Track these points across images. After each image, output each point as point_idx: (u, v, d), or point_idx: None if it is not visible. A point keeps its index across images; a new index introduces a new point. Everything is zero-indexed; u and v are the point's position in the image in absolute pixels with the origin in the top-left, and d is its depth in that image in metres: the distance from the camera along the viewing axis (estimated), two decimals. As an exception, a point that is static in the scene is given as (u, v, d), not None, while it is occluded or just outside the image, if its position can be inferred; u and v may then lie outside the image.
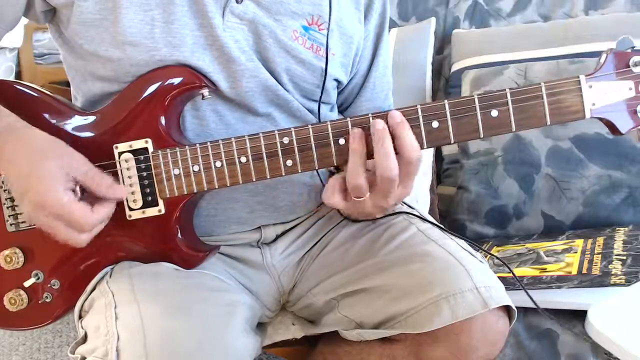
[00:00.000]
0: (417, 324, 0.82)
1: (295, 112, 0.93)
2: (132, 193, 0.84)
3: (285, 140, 0.81)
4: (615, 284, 1.04)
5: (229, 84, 0.87)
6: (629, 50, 0.76)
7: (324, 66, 0.91)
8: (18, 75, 2.44)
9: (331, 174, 1.02)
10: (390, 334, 0.87)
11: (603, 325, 0.87)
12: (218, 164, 0.83)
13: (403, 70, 1.79)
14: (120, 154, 0.85)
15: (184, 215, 0.87)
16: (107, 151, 0.84)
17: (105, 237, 0.86)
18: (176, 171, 0.84)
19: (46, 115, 0.86)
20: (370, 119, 0.78)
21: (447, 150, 1.70)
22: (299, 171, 0.82)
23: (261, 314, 0.97)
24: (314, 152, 0.81)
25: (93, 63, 0.86)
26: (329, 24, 0.90)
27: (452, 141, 0.79)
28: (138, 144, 0.84)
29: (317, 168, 0.82)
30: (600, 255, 1.17)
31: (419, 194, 1.46)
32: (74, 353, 0.79)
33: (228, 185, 0.83)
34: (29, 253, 0.88)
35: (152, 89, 0.84)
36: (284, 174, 0.82)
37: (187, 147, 0.83)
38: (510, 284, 1.07)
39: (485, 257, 1.13)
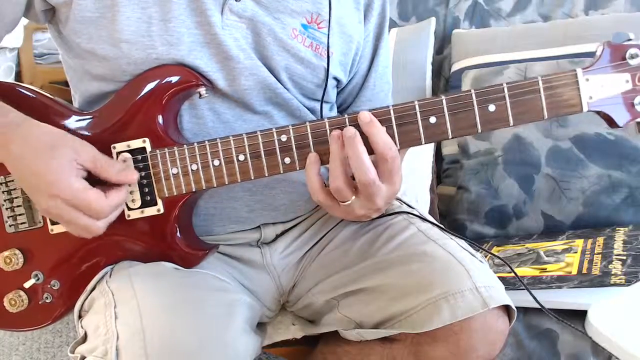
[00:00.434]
0: (416, 323, 0.82)
1: (294, 111, 0.93)
2: (131, 193, 0.84)
3: (283, 138, 0.81)
4: (615, 284, 1.04)
5: (227, 82, 0.87)
6: (625, 43, 0.76)
7: (324, 65, 0.91)
8: (18, 75, 2.45)
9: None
10: (390, 334, 0.87)
11: (603, 325, 0.87)
12: (216, 162, 0.83)
13: (403, 70, 1.79)
14: (118, 153, 0.85)
15: (183, 214, 0.87)
16: (105, 151, 0.84)
17: (104, 237, 0.86)
18: (174, 170, 0.84)
19: (44, 117, 0.85)
20: (359, 118, 0.78)
21: (447, 150, 1.70)
22: (297, 169, 0.82)
23: (261, 313, 0.96)
24: (312, 150, 0.81)
25: (90, 62, 0.86)
26: (329, 23, 0.90)
27: (450, 136, 0.79)
28: (136, 143, 0.84)
29: (315, 165, 0.82)
30: (600, 255, 1.17)
31: (419, 194, 1.46)
32: (73, 352, 0.79)
33: (226, 183, 0.83)
34: (29, 254, 0.88)
35: (149, 88, 0.84)
36: (282, 172, 0.82)
37: (185, 146, 0.83)
38: (511, 283, 1.07)
39: (486, 256, 1.13)
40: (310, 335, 0.99)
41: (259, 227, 0.97)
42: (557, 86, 0.77)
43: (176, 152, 0.83)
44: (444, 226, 0.96)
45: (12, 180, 0.87)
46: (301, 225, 1.02)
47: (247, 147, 0.82)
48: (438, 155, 1.70)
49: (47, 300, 0.88)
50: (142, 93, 0.85)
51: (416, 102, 0.79)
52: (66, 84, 0.97)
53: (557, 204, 1.38)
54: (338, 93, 1.02)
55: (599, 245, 1.22)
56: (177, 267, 0.87)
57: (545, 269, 1.18)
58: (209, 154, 0.83)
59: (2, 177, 0.87)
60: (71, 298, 0.88)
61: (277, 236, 1.00)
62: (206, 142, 0.83)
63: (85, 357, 0.76)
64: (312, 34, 0.91)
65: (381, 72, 1.03)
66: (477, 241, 1.38)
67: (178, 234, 0.86)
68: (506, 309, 0.85)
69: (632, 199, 1.34)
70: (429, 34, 1.83)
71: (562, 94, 0.77)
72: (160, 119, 0.84)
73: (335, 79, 0.96)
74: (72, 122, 0.87)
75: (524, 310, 1.10)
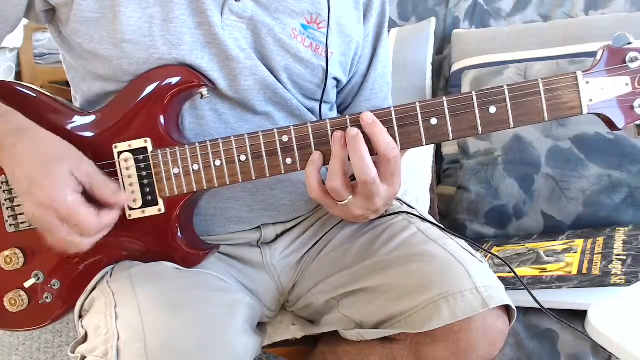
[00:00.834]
0: (416, 323, 0.82)
1: (294, 111, 0.93)
2: (132, 192, 0.84)
3: (285, 138, 0.81)
4: (615, 284, 1.04)
5: (227, 82, 0.87)
6: (625, 47, 0.77)
7: (323, 65, 0.91)
8: (18, 75, 2.45)
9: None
10: (390, 334, 0.87)
11: (603, 325, 0.87)
12: (217, 162, 0.83)
13: (403, 70, 1.79)
14: (119, 153, 0.85)
15: (184, 214, 0.87)
16: (106, 151, 0.84)
17: (105, 237, 0.86)
18: (176, 170, 0.84)
19: (45, 116, 0.86)
20: (361, 118, 0.78)
21: (447, 150, 1.70)
22: (299, 169, 0.82)
23: (261, 313, 0.96)
24: (314, 150, 0.81)
25: (92, 62, 0.86)
26: (328, 23, 0.91)
27: (451, 138, 0.79)
28: (137, 143, 0.84)
29: (316, 166, 0.82)
30: (600, 255, 1.17)
31: (419, 194, 1.46)
32: (74, 352, 0.79)
33: (228, 183, 0.83)
34: (29, 253, 0.88)
35: (150, 88, 0.84)
36: (283, 172, 0.82)
37: (186, 146, 0.83)
38: (511, 283, 1.07)
39: (486, 256, 1.13)
40: (310, 335, 0.99)
41: (259, 227, 0.97)
42: (557, 88, 0.77)
43: (177, 152, 0.84)
44: (444, 226, 0.96)
45: (13, 180, 0.87)
46: (301, 225, 1.02)
47: (248, 147, 0.82)
48: (438, 155, 1.70)
49: (48, 300, 0.88)
50: (144, 93, 0.85)
51: (417, 104, 0.79)
52: (66, 84, 0.97)
53: (557, 204, 1.38)
54: (338, 93, 1.02)
55: (599, 245, 1.22)
56: (178, 267, 0.87)
57: (545, 269, 1.18)
58: (210, 154, 0.83)
59: (3, 176, 0.87)
60: (71, 298, 0.88)
61: (278, 236, 1.00)
62: (208, 142, 0.83)
63: (85, 357, 0.76)
64: (311, 34, 0.91)
65: (380, 72, 1.03)
66: (477, 241, 1.38)
67: (179, 233, 0.86)
68: (506, 309, 0.85)
69: (632, 199, 1.34)
70: (429, 34, 1.83)
71: (562, 96, 0.77)
72: (162, 119, 0.85)
73: (335, 79, 0.96)
74: (74, 121, 0.87)
75: (524, 310, 1.10)
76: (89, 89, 0.90)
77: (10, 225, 0.88)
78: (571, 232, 1.34)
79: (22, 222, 0.88)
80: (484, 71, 1.63)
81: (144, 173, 0.84)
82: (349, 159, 0.79)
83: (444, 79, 1.85)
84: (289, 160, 0.82)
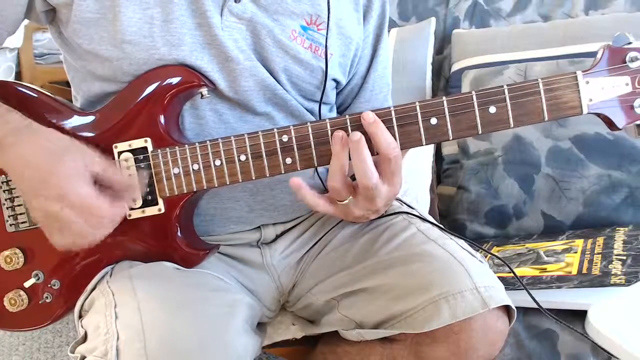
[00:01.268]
0: (416, 323, 0.82)
1: (294, 112, 0.93)
2: (132, 192, 0.85)
3: (285, 138, 0.81)
4: (615, 284, 1.04)
5: (227, 83, 0.87)
6: (625, 46, 0.77)
7: (323, 66, 0.91)
8: (18, 75, 2.45)
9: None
10: (390, 334, 0.87)
11: (603, 325, 0.87)
12: (217, 162, 0.83)
13: (403, 70, 1.79)
14: (119, 153, 0.85)
15: (184, 214, 0.87)
16: (106, 151, 0.84)
17: (105, 237, 0.86)
18: (176, 170, 0.84)
19: (46, 116, 0.86)
20: (362, 117, 0.78)
21: (447, 150, 1.70)
22: (299, 169, 0.82)
23: (261, 314, 0.96)
24: (313, 150, 0.81)
25: (92, 62, 0.86)
26: (327, 24, 0.91)
27: (451, 137, 0.79)
28: (137, 143, 0.84)
29: (316, 166, 0.82)
30: (600, 255, 1.17)
31: (419, 194, 1.46)
32: (74, 352, 0.79)
33: (228, 183, 0.83)
34: (29, 253, 0.88)
35: (151, 88, 0.84)
36: (283, 172, 0.82)
37: (186, 146, 0.83)
38: (510, 283, 1.07)
39: (486, 257, 1.13)
40: (310, 335, 0.99)
41: (259, 227, 0.97)
42: (557, 88, 0.77)
43: (177, 152, 0.84)
44: (444, 226, 0.96)
45: (13, 180, 0.87)
46: (301, 225, 1.02)
47: (248, 147, 0.82)
48: (438, 155, 1.70)
49: (47, 300, 0.88)
50: (145, 93, 0.85)
51: (417, 103, 0.79)
52: (66, 84, 0.97)
53: (557, 204, 1.38)
54: (337, 94, 1.02)
55: (599, 245, 1.22)
56: (178, 267, 0.87)
57: (545, 269, 1.18)
58: (210, 153, 0.83)
59: (2, 176, 0.87)
60: (71, 298, 0.88)
61: (277, 236, 1.00)
62: (207, 142, 0.83)
63: (85, 357, 0.76)
64: (311, 35, 0.91)
65: (380, 73, 1.03)
66: (477, 241, 1.38)
67: (179, 233, 0.86)
68: (506, 309, 0.85)
69: (632, 199, 1.34)
70: (429, 34, 1.83)
71: (562, 96, 0.77)
72: (162, 119, 0.85)
73: (335, 80, 0.96)
74: (74, 121, 0.87)
75: (523, 310, 1.10)
76: (89, 89, 0.90)
77: (11, 225, 0.88)
78: (571, 232, 1.34)
79: (23, 222, 0.88)
80: (484, 71, 1.63)
81: (144, 172, 0.84)
82: (349, 159, 0.79)
83: (444, 79, 1.85)
84: (288, 160, 0.82)
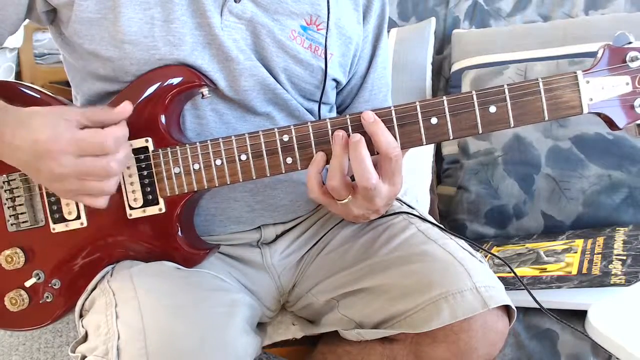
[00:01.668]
0: (416, 323, 0.82)
1: (294, 112, 0.93)
2: (133, 192, 0.85)
3: (285, 137, 0.81)
4: (615, 284, 1.04)
5: (227, 82, 0.87)
6: (626, 46, 0.77)
7: (322, 66, 0.91)
8: (18, 75, 2.45)
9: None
10: (390, 334, 0.87)
11: (603, 325, 0.87)
12: (218, 162, 0.83)
13: (403, 70, 1.79)
14: (120, 153, 0.85)
15: (185, 213, 0.87)
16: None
17: (106, 236, 0.86)
18: (176, 170, 0.84)
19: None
20: (363, 117, 0.79)
21: (447, 150, 1.70)
22: (299, 168, 0.82)
23: (261, 313, 0.97)
24: (314, 150, 0.81)
25: (93, 63, 0.86)
26: (327, 24, 0.91)
27: (451, 137, 0.79)
28: (138, 143, 0.84)
29: (316, 165, 0.82)
30: (600, 255, 1.17)
31: (419, 194, 1.46)
32: (74, 352, 0.79)
33: (228, 183, 0.83)
34: (30, 253, 0.88)
35: (152, 88, 0.85)
36: (284, 172, 0.82)
37: (187, 145, 0.84)
38: (511, 283, 1.07)
39: (486, 256, 1.13)
40: (310, 335, 0.99)
41: (259, 227, 0.97)
42: (557, 88, 0.77)
43: (178, 152, 0.84)
44: (444, 226, 0.96)
45: (14, 179, 0.87)
46: (301, 225, 1.02)
47: (249, 146, 0.82)
48: (438, 155, 1.71)
49: (48, 300, 0.88)
50: (145, 93, 0.85)
51: (417, 103, 0.79)
52: (67, 83, 0.97)
53: (557, 204, 1.38)
54: (337, 94, 1.02)
55: (599, 245, 1.22)
56: (178, 266, 0.87)
57: (545, 269, 1.18)
58: (211, 153, 0.83)
59: (4, 175, 0.88)
60: (72, 297, 0.88)
61: (277, 236, 1.00)
62: (208, 141, 0.83)
63: (86, 357, 0.76)
64: (311, 35, 0.91)
65: (380, 73, 1.03)
66: (477, 241, 1.38)
67: (179, 233, 0.86)
68: (506, 309, 0.85)
69: (632, 199, 1.34)
70: (429, 34, 1.83)
71: (562, 95, 0.78)
72: (163, 118, 0.85)
73: (334, 80, 0.96)
74: (74, 121, 0.87)
75: (524, 310, 1.11)
76: (90, 89, 0.90)
77: (12, 224, 0.88)
78: (571, 232, 1.34)
79: (24, 222, 0.88)
80: (484, 71, 1.63)
81: (145, 172, 0.85)
82: (349, 159, 0.79)
83: (444, 79, 1.85)
84: (289, 160, 0.82)
